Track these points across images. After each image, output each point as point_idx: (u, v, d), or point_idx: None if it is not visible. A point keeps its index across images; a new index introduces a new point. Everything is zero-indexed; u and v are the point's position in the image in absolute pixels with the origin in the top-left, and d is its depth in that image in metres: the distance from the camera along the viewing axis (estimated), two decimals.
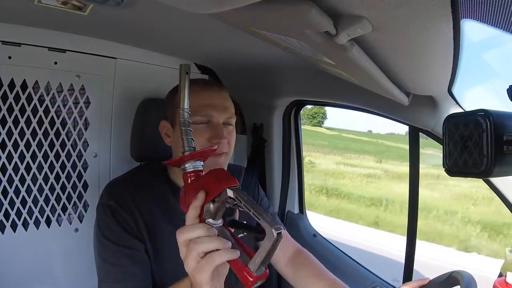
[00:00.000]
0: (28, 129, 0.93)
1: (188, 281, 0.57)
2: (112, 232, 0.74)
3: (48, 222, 0.99)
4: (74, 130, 1.02)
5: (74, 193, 1.02)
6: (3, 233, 0.91)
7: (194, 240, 0.52)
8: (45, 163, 0.97)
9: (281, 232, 0.48)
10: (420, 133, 0.95)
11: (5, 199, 0.91)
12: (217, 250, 0.51)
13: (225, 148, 0.78)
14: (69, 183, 1.01)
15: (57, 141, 0.98)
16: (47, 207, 0.98)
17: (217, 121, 0.78)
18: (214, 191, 0.54)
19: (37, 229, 0.97)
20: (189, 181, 0.58)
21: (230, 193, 0.52)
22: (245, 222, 0.61)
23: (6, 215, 0.92)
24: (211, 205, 0.54)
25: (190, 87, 0.61)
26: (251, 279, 0.51)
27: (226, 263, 0.53)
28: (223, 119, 0.79)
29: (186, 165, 0.58)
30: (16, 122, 0.92)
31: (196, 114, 0.76)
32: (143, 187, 0.81)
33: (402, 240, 1.09)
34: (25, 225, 0.95)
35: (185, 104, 0.61)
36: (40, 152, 0.96)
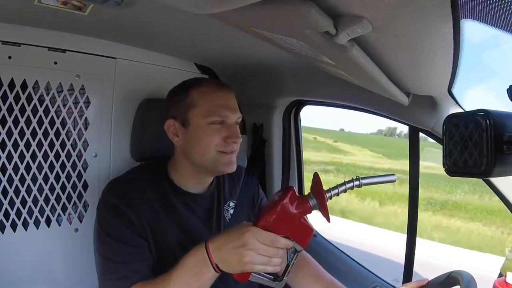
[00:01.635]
0: (28, 129, 0.93)
1: (202, 252, 0.64)
2: (115, 230, 0.74)
3: (48, 222, 0.99)
4: (74, 130, 1.02)
5: (74, 193, 1.02)
6: (3, 233, 0.91)
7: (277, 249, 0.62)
8: (45, 163, 0.97)
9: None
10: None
11: (5, 199, 0.91)
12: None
13: (236, 147, 0.82)
14: (69, 183, 1.01)
15: (57, 141, 0.98)
16: (47, 207, 0.98)
17: (231, 122, 0.81)
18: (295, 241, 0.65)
19: (37, 229, 0.96)
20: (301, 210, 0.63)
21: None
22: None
23: (6, 215, 0.92)
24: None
25: None
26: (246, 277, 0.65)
27: None
28: (235, 119, 0.82)
29: (313, 200, 0.64)
30: (16, 122, 0.92)
31: (213, 114, 0.79)
32: (144, 185, 0.81)
33: None
34: (25, 225, 0.95)
35: None
36: (40, 152, 0.96)
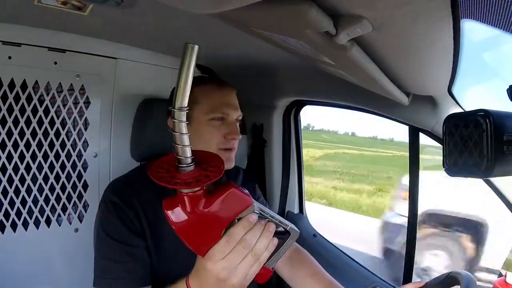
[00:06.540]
0: (28, 129, 0.93)
1: (183, 285, 0.56)
2: (114, 229, 0.74)
3: (48, 222, 0.99)
4: (74, 130, 1.02)
5: (74, 193, 1.02)
6: (3, 233, 0.91)
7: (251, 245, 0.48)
8: (45, 163, 0.97)
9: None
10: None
11: (5, 199, 0.91)
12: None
13: (235, 144, 0.84)
14: (69, 183, 1.01)
15: (57, 141, 0.98)
16: (47, 207, 0.98)
17: (231, 119, 0.84)
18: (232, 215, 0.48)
19: (37, 229, 0.96)
20: (191, 209, 0.46)
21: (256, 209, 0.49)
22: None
23: (6, 215, 0.92)
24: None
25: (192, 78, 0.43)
26: (267, 274, 0.54)
27: None
28: (235, 117, 0.85)
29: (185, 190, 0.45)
30: (16, 122, 0.92)
31: (215, 111, 0.81)
32: (146, 185, 0.81)
33: None
34: (25, 225, 0.95)
35: (184, 101, 0.42)
36: (40, 152, 0.96)
